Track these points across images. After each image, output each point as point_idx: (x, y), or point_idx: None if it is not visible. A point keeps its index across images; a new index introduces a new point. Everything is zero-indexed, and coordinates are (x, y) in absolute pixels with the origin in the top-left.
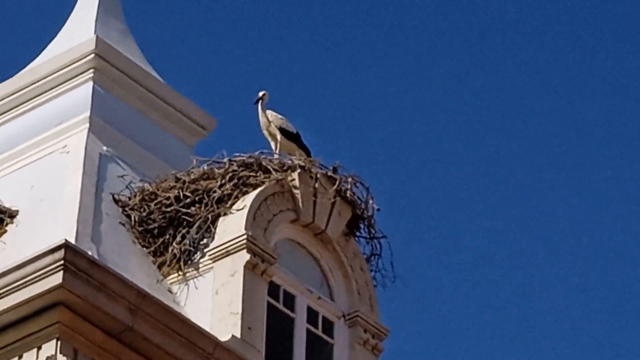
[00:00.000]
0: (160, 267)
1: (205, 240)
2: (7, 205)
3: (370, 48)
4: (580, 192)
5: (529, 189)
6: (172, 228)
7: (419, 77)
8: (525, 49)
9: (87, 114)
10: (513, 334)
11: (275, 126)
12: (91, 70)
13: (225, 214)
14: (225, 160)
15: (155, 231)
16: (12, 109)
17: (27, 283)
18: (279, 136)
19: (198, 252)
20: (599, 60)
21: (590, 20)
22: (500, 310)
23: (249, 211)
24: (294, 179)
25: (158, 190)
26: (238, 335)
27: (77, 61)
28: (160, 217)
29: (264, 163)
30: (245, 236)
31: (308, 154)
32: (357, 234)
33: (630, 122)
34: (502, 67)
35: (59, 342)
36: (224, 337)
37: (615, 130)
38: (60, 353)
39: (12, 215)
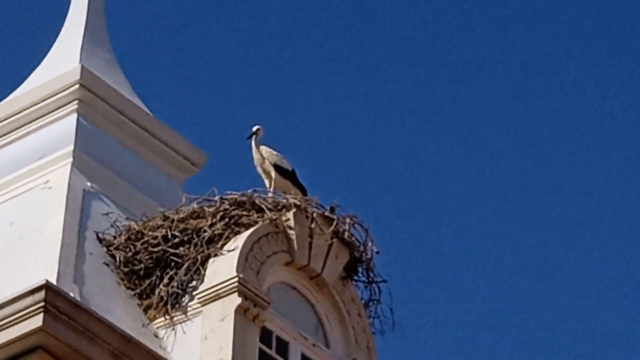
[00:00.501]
0: (146, 310)
1: (194, 283)
2: None
3: (367, 82)
4: (584, 197)
5: (532, 228)
6: (159, 269)
7: (420, 113)
8: (519, 57)
9: (71, 147)
10: None
11: (270, 163)
12: (75, 102)
13: (215, 255)
14: (217, 198)
15: (142, 272)
16: None
17: (6, 325)
18: (273, 173)
19: (186, 295)
20: (599, 60)
21: (590, 20)
22: (507, 354)
23: (240, 252)
24: (288, 219)
25: (145, 229)
26: None
27: (60, 92)
28: (147, 257)
29: (257, 202)
30: (236, 279)
31: (304, 192)
32: (355, 277)
33: (630, 122)
34: (500, 107)
35: None
36: None
37: (616, 130)
38: None
39: None
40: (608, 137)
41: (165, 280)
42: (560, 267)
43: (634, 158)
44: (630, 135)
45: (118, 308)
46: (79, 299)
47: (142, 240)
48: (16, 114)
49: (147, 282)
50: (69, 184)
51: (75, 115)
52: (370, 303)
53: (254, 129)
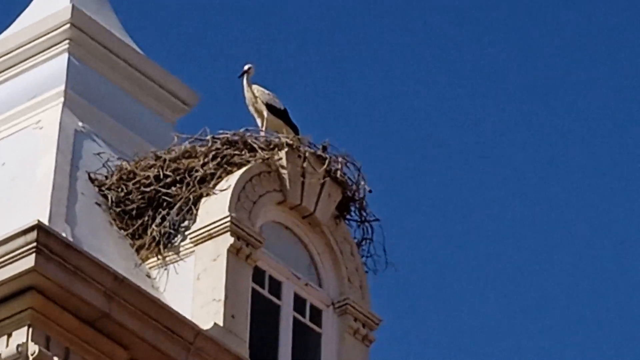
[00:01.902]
0: (138, 250)
1: (186, 223)
2: None
3: (360, 19)
4: (586, 189)
5: (527, 174)
6: (151, 209)
7: (413, 52)
8: (529, 40)
9: (62, 87)
10: (509, 323)
11: (262, 102)
12: (66, 41)
13: (207, 195)
14: (208, 137)
15: (134, 212)
16: None
17: None
18: (265, 113)
19: (179, 235)
20: (599, 60)
21: (590, 20)
22: (497, 299)
23: (233, 192)
24: (281, 158)
25: (137, 169)
26: (221, 323)
27: (51, 31)
28: (139, 197)
29: (249, 141)
30: (229, 218)
31: (296, 131)
32: (348, 216)
33: (631, 122)
34: (494, 42)
35: (30, 329)
36: (205, 325)
37: (617, 130)
38: (32, 341)
39: None
40: (612, 136)
41: (158, 220)
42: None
43: (635, 158)
44: (631, 135)
45: (110, 248)
46: (71, 239)
47: (134, 180)
48: (6, 54)
49: (139, 222)
50: (60, 124)
51: (66, 55)
52: (363, 242)
53: (246, 67)
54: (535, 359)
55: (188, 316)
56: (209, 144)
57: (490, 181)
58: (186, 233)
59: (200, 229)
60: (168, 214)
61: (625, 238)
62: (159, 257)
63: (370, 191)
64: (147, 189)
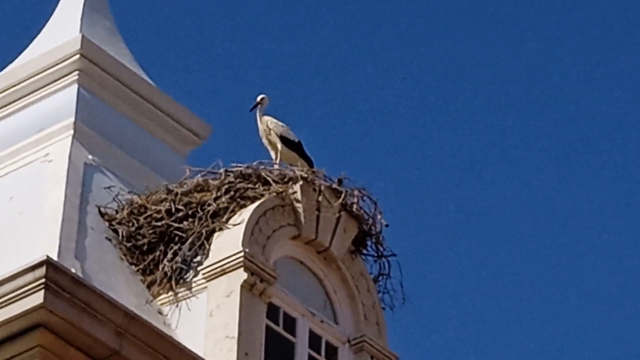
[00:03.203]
0: (149, 286)
1: (198, 258)
2: None
3: (376, 54)
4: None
5: (543, 207)
6: (163, 244)
7: (430, 87)
8: (524, 50)
9: (72, 119)
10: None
11: (276, 134)
12: (76, 72)
13: (220, 229)
14: (221, 170)
15: (145, 247)
16: None
17: (6, 303)
18: (279, 145)
19: (191, 271)
20: (599, 60)
21: (590, 20)
22: (516, 335)
23: (246, 226)
24: (295, 192)
25: (148, 203)
26: None
27: (61, 62)
28: (150, 232)
29: (263, 174)
30: (242, 253)
31: (311, 164)
32: (364, 251)
33: (631, 122)
34: (513, 80)
35: None
36: None
37: (619, 130)
38: None
39: None
40: (615, 136)
41: (169, 256)
42: (572, 244)
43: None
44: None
45: (121, 284)
46: (80, 275)
47: (145, 215)
48: (15, 85)
49: (151, 257)
50: (69, 157)
51: (75, 86)
52: (380, 277)
53: (258, 98)
54: None
55: (201, 354)
56: (222, 177)
57: (507, 216)
58: (199, 269)
59: (213, 264)
60: (180, 249)
61: (631, 237)
62: (171, 293)
63: (387, 225)
64: (159, 224)
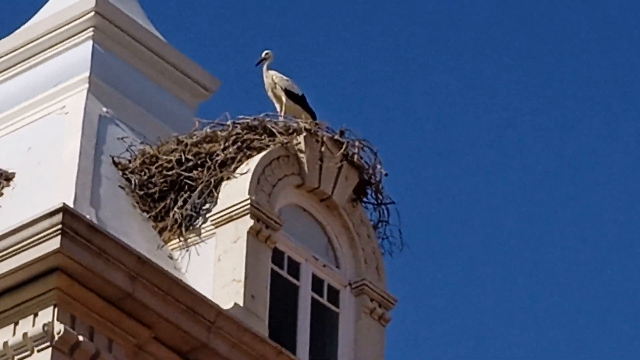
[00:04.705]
0: (161, 232)
1: (207, 205)
2: (3, 168)
3: (378, 6)
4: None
5: (542, 157)
6: (173, 192)
7: (431, 37)
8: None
9: (87, 74)
10: (523, 305)
11: (280, 88)
12: (91, 29)
13: (228, 178)
14: (229, 122)
15: (156, 195)
16: (8, 68)
17: (24, 248)
18: (284, 98)
19: (200, 218)
20: (600, 60)
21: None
22: (512, 281)
23: (252, 175)
24: (299, 143)
25: (159, 153)
26: (241, 303)
27: (76, 19)
28: (162, 180)
29: (268, 126)
30: (248, 201)
31: (314, 117)
32: (364, 199)
33: (631, 122)
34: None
35: (56, 309)
36: (226, 305)
37: (621, 129)
38: (58, 320)
39: (9, 178)
40: (617, 134)
41: (180, 203)
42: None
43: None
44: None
45: (133, 230)
46: (95, 221)
47: (156, 164)
48: (33, 42)
49: (162, 204)
50: (85, 109)
51: (90, 42)
52: (379, 224)
53: (263, 54)
54: (542, 340)
55: (209, 296)
56: (230, 129)
57: (509, 164)
58: (207, 216)
59: (221, 211)
60: (190, 197)
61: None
62: (181, 239)
63: (386, 175)
64: (170, 173)
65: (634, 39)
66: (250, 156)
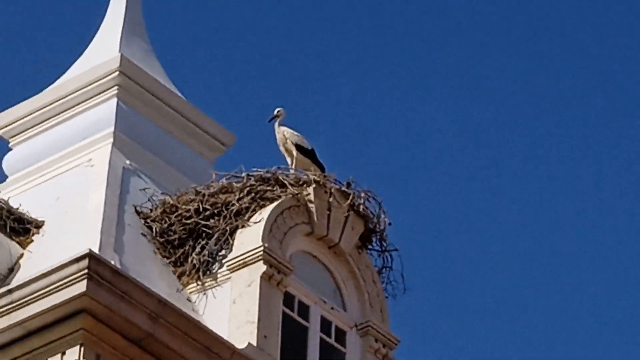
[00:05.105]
0: (180, 277)
1: (223, 252)
2: (33, 216)
3: (383, 68)
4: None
5: (543, 204)
6: (191, 239)
7: (431, 96)
8: (526, 49)
9: (112, 129)
10: (521, 344)
11: (292, 142)
12: (115, 87)
13: (242, 227)
14: (244, 174)
15: (176, 242)
16: (39, 123)
17: (53, 291)
18: (295, 152)
19: (216, 263)
20: (601, 60)
21: (590, 20)
22: (508, 319)
23: (265, 224)
24: (309, 194)
25: (178, 203)
26: (254, 343)
27: (102, 78)
28: (181, 228)
29: (280, 178)
30: (262, 248)
31: (322, 169)
32: (370, 247)
33: (632, 122)
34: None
35: (82, 348)
36: (240, 345)
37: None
38: (84, 358)
39: (39, 225)
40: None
41: (197, 250)
42: (574, 229)
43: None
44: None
45: (154, 275)
46: (119, 266)
47: (176, 213)
48: (62, 99)
49: (181, 251)
50: (109, 162)
51: (115, 100)
52: (383, 270)
53: (275, 111)
54: None
55: (225, 336)
56: (244, 181)
57: (507, 211)
58: (223, 261)
59: (236, 257)
60: (207, 243)
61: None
62: (199, 283)
63: (390, 224)
64: (188, 221)
65: (634, 39)
66: (263, 206)
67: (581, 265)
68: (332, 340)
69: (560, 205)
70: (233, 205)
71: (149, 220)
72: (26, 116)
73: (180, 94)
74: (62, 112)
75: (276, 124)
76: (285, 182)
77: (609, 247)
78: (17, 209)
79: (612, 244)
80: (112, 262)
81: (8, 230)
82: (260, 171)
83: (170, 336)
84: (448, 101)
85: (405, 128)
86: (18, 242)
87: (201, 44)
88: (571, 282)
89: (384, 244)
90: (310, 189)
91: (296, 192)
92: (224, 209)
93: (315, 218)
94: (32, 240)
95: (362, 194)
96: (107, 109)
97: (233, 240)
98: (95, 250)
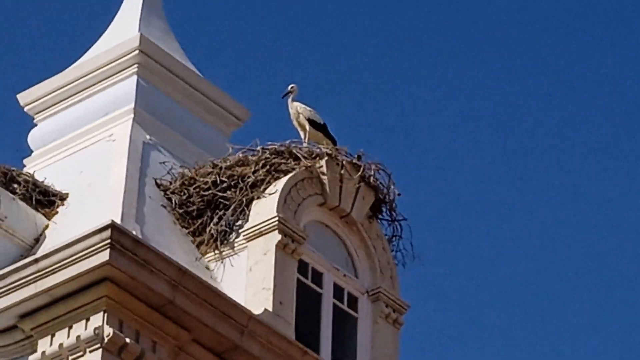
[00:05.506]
0: (198, 246)
1: (240, 222)
2: (58, 189)
3: (394, 42)
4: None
5: (555, 175)
6: (209, 210)
7: (442, 68)
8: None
9: (132, 105)
10: (527, 309)
11: (304, 117)
12: (135, 65)
13: (258, 198)
14: (259, 148)
15: (194, 213)
16: (63, 100)
17: (77, 260)
18: (307, 126)
19: (233, 233)
20: (601, 59)
21: (590, 20)
22: (514, 284)
23: (280, 195)
24: (321, 166)
25: (197, 175)
26: (270, 309)
27: (122, 57)
28: (199, 200)
29: (294, 151)
30: (276, 218)
31: (334, 143)
32: (380, 216)
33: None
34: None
35: (105, 315)
36: (257, 311)
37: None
38: (107, 324)
39: (63, 198)
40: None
41: (215, 220)
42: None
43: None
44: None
45: (174, 244)
46: (140, 236)
47: (194, 185)
48: (84, 76)
49: (199, 221)
50: (130, 137)
51: (135, 77)
52: (393, 238)
53: (289, 87)
54: (549, 341)
55: (242, 303)
56: (259, 154)
57: (513, 181)
58: (240, 231)
59: (252, 227)
60: (224, 214)
61: None
62: (217, 252)
63: (399, 194)
64: (206, 193)
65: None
66: (277, 178)
67: (595, 238)
68: (344, 306)
69: (571, 177)
70: (249, 177)
71: (168, 192)
72: (50, 93)
73: (197, 72)
74: (84, 90)
75: (290, 100)
76: (299, 155)
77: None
78: (42, 182)
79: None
80: (134, 232)
81: (34, 202)
82: (274, 145)
83: (189, 303)
84: (459, 73)
85: (414, 102)
86: (43, 214)
87: (217, 23)
88: (579, 254)
89: (394, 214)
90: (323, 162)
91: (309, 164)
92: (240, 181)
93: (327, 189)
94: (56, 212)
95: (373, 166)
96: (127, 86)
97: (249, 211)
98: (118, 221)
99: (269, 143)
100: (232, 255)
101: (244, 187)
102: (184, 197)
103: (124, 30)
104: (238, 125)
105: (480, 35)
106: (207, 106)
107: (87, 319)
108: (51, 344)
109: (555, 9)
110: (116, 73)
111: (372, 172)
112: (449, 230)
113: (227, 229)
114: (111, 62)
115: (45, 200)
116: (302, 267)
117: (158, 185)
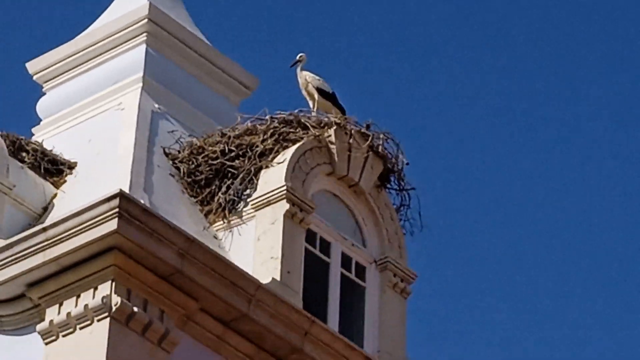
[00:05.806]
0: (206, 215)
1: (248, 191)
2: (66, 158)
3: (402, 12)
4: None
5: (567, 144)
6: (217, 179)
7: (449, 38)
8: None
9: (141, 74)
10: (532, 279)
11: (313, 86)
12: (144, 34)
13: (266, 167)
14: (267, 117)
15: (203, 182)
16: (71, 69)
17: (85, 229)
18: (316, 95)
19: (241, 202)
20: (601, 59)
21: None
22: (520, 254)
23: (288, 164)
24: (330, 135)
25: (205, 144)
26: (278, 278)
27: (131, 26)
28: (207, 169)
29: (302, 120)
30: (285, 187)
31: (343, 112)
32: (388, 186)
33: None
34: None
35: (113, 283)
36: (265, 280)
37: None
38: (115, 293)
39: (71, 166)
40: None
41: (223, 189)
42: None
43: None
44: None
45: (182, 213)
46: (148, 205)
47: (202, 154)
48: (93, 45)
49: (207, 190)
50: (139, 106)
51: (144, 46)
52: (401, 208)
53: (298, 56)
54: (555, 320)
55: (250, 272)
56: (268, 123)
57: (522, 148)
58: (248, 200)
59: (260, 196)
60: (232, 183)
61: None
62: (225, 221)
63: (407, 164)
64: (214, 162)
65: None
66: (286, 147)
67: (606, 222)
68: (352, 275)
69: (585, 147)
70: (257, 146)
71: (176, 161)
72: (59, 62)
73: (206, 40)
74: (93, 58)
75: (298, 69)
76: (307, 124)
77: None
78: (51, 150)
79: None
80: (142, 201)
81: (42, 171)
82: (283, 114)
83: (197, 272)
84: (467, 43)
85: (422, 70)
86: (52, 183)
87: None
88: (588, 236)
89: (402, 183)
90: (331, 131)
91: (317, 133)
92: (248, 150)
93: (336, 158)
94: (65, 181)
95: (381, 135)
96: (136, 54)
97: (257, 180)
98: (126, 189)
99: (278, 112)
100: (240, 225)
101: (253, 156)
102: (193, 166)
103: None
104: (247, 94)
105: (496, 13)
106: (215, 75)
107: (95, 288)
108: (59, 313)
109: None
110: (125, 42)
111: (381, 142)
112: (457, 200)
113: (236, 198)
114: (120, 31)
115: (54, 169)
116: (310, 236)
117: (166, 154)
